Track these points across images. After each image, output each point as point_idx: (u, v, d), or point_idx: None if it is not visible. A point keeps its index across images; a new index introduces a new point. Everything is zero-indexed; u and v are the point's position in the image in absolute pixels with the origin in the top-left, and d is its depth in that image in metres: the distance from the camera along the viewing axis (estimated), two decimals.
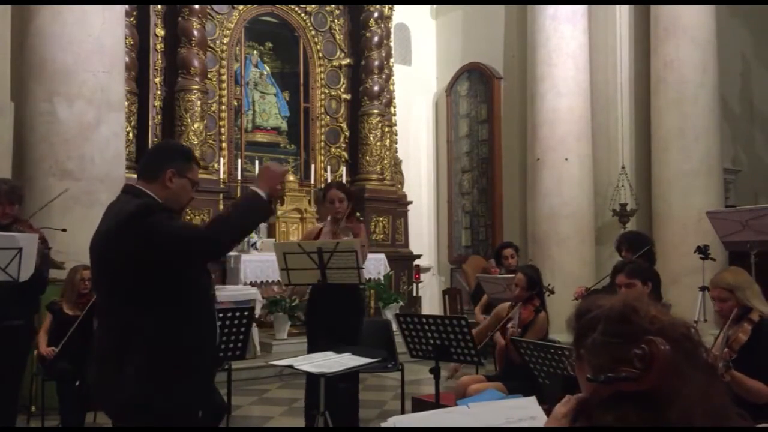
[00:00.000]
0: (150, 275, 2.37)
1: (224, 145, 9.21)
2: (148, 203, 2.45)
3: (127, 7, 7.51)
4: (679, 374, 1.29)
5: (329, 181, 9.58)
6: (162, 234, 2.36)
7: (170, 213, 2.49)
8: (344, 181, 9.62)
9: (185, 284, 2.46)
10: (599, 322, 1.38)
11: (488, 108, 10.39)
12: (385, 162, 10.13)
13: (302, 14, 9.96)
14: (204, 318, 2.54)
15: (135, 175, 2.70)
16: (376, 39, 10.00)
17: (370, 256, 5.60)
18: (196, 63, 8.65)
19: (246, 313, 4.33)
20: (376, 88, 9.99)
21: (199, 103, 8.64)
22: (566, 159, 8.75)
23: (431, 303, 10.84)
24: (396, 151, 10.48)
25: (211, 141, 9.00)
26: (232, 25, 9.45)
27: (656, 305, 1.42)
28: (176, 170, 2.54)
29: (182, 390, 2.42)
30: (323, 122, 10.07)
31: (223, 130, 9.23)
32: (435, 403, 3.92)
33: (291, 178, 9.37)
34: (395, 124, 10.48)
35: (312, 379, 4.19)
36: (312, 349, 4.31)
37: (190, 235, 2.48)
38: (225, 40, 9.38)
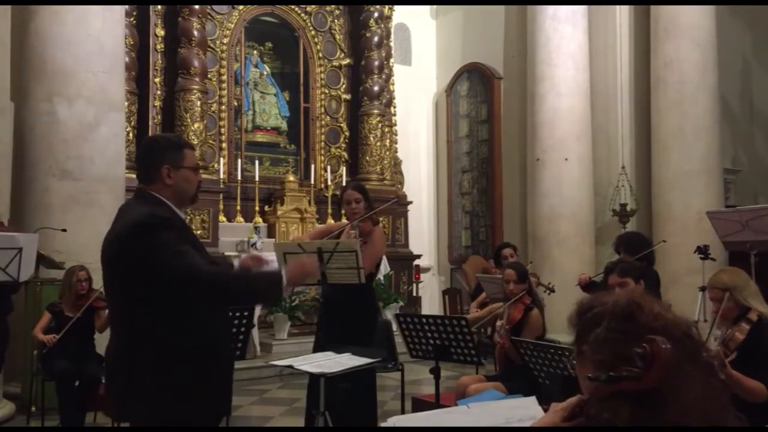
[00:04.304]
0: (157, 282, 2.31)
1: (224, 145, 9.21)
2: (156, 215, 2.37)
3: (127, 7, 7.51)
4: (679, 373, 1.29)
5: (329, 181, 9.59)
6: (162, 264, 2.28)
7: (179, 231, 2.41)
8: (344, 182, 9.63)
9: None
10: (603, 318, 1.37)
11: (488, 108, 10.39)
12: (385, 162, 10.13)
13: (302, 14, 9.96)
14: (220, 319, 2.52)
15: (135, 176, 2.69)
16: (376, 39, 10.00)
17: None
18: (196, 63, 8.65)
19: (246, 313, 4.33)
20: (376, 88, 9.99)
21: (199, 103, 8.64)
22: (566, 159, 8.75)
23: (431, 303, 10.84)
24: (396, 151, 10.47)
25: (211, 141, 8.99)
26: (232, 25, 9.45)
27: (660, 303, 1.42)
28: (171, 165, 2.46)
29: (201, 397, 2.37)
30: (323, 122, 10.07)
31: (223, 130, 9.23)
32: (435, 403, 3.92)
33: (291, 178, 9.38)
34: (395, 124, 10.48)
35: (314, 379, 4.18)
36: (318, 349, 4.28)
37: (192, 275, 2.32)
38: (225, 40, 9.38)
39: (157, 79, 8.76)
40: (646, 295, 1.42)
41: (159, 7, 8.81)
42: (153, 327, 2.33)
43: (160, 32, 8.80)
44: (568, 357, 3.40)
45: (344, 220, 4.72)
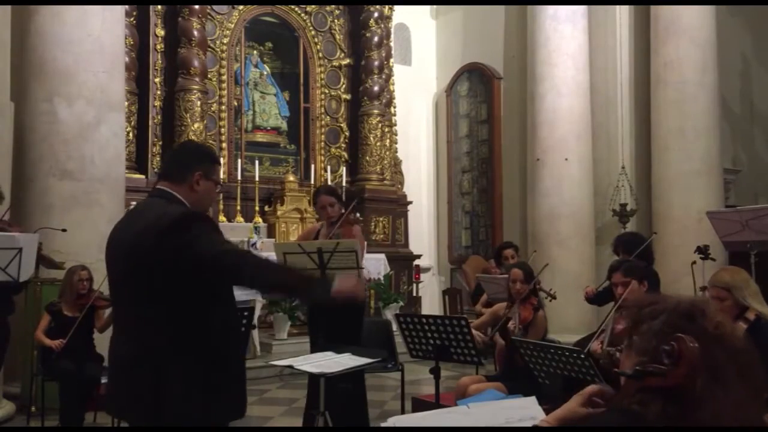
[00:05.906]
0: (189, 278, 2.30)
1: (224, 145, 9.21)
2: (191, 212, 2.40)
3: (127, 7, 7.51)
4: (720, 380, 1.29)
5: (329, 181, 9.59)
6: (203, 251, 2.30)
7: (213, 224, 2.45)
8: (344, 182, 9.65)
9: (222, 285, 2.45)
10: (663, 313, 1.38)
11: (488, 108, 10.39)
12: (385, 162, 10.13)
13: (302, 14, 9.96)
14: (235, 318, 2.56)
15: (135, 176, 2.69)
16: (376, 39, 10.00)
17: (369, 256, 5.58)
18: (196, 63, 8.65)
19: (246, 313, 4.33)
20: (376, 88, 9.98)
21: (199, 103, 8.64)
22: (566, 159, 8.74)
23: (431, 303, 10.84)
24: (396, 151, 10.48)
25: (211, 141, 8.98)
26: (232, 25, 9.45)
27: (724, 314, 1.41)
28: (203, 172, 2.48)
29: (227, 393, 2.46)
30: (323, 122, 10.07)
31: (223, 130, 9.23)
32: (435, 403, 3.92)
33: (291, 178, 9.39)
34: (395, 124, 10.48)
35: (314, 379, 4.18)
36: (314, 349, 4.30)
37: (228, 262, 2.36)
38: (225, 40, 9.38)
39: (157, 79, 8.76)
40: (712, 305, 1.41)
41: (159, 7, 8.81)
42: (185, 326, 2.30)
43: (160, 32, 8.81)
44: (569, 358, 3.40)
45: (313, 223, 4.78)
